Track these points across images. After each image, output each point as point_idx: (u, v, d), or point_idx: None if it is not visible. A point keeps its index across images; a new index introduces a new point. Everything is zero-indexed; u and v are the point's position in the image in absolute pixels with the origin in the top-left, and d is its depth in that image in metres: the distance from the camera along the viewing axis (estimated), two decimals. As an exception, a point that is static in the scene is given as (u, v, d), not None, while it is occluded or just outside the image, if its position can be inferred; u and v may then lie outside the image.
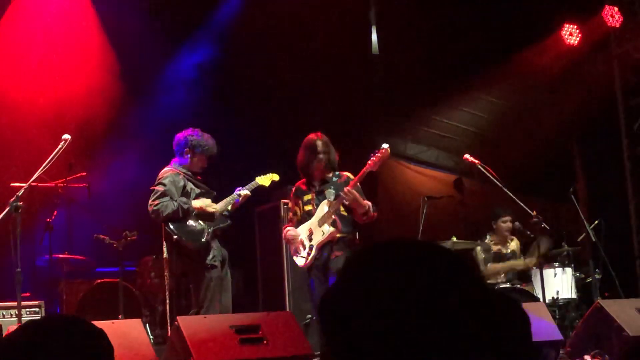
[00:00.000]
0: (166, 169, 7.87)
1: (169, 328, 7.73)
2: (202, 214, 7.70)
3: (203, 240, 7.61)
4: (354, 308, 1.47)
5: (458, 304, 1.44)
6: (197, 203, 7.71)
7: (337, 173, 7.57)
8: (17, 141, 10.20)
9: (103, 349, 2.13)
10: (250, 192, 7.95)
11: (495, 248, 9.68)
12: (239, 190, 7.90)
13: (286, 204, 8.90)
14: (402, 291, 1.44)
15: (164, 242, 7.79)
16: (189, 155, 7.87)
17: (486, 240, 9.71)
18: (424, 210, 9.20)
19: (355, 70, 10.92)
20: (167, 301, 7.88)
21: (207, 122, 8.60)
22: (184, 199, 7.68)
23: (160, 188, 7.68)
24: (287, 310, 9.05)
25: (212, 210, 7.73)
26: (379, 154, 7.31)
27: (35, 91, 10.41)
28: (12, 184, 7.67)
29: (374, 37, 10.12)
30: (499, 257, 9.65)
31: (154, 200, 7.65)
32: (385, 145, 7.38)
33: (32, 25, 10.48)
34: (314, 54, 10.84)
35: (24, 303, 7.11)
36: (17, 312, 6.93)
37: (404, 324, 1.42)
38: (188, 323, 6.46)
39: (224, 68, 11.45)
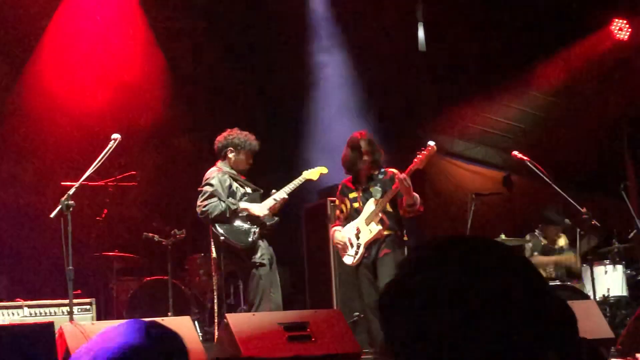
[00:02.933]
0: (212, 169, 7.88)
1: (216, 326, 7.78)
2: (248, 215, 7.72)
3: (250, 240, 7.62)
4: (416, 304, 1.46)
5: (522, 301, 1.44)
6: (243, 204, 7.72)
7: (382, 170, 7.55)
8: (68, 140, 10.35)
9: (180, 351, 2.17)
10: (297, 186, 7.95)
11: (544, 242, 9.68)
12: (285, 187, 7.90)
13: (333, 201, 8.89)
14: (464, 288, 1.44)
15: (212, 242, 7.83)
16: (232, 154, 7.87)
17: (536, 233, 9.71)
18: (472, 208, 9.13)
19: (402, 67, 10.88)
20: (215, 300, 7.90)
21: (252, 118, 8.65)
22: (232, 200, 7.69)
23: (208, 189, 7.70)
24: (334, 307, 9.05)
25: (258, 213, 7.71)
26: (425, 152, 7.28)
27: (85, 91, 10.55)
28: (63, 183, 7.77)
29: (421, 34, 10.08)
30: (547, 251, 9.61)
31: (202, 201, 7.67)
32: (431, 143, 7.34)
33: (80, 25, 10.61)
34: (360, 50, 10.83)
35: (75, 301, 7.19)
36: (68, 310, 7.03)
37: (466, 320, 1.42)
38: (237, 320, 6.50)
39: (268, 64, 11.51)
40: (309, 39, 11.15)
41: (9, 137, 10.57)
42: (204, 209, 7.64)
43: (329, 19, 11.04)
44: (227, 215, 7.62)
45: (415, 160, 7.28)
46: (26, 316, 7.44)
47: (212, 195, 7.65)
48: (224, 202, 7.64)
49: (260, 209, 7.76)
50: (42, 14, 10.45)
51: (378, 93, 11.02)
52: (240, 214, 7.67)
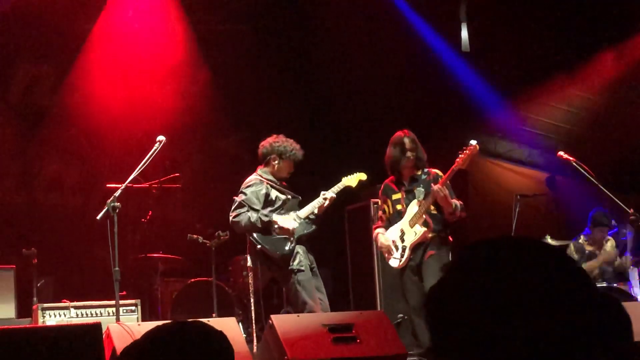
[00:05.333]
0: (251, 177, 7.85)
1: (253, 330, 7.76)
2: (284, 229, 7.66)
3: (286, 249, 7.57)
4: (464, 305, 1.45)
5: (570, 302, 1.42)
6: (276, 218, 7.66)
7: (425, 170, 7.50)
8: (112, 143, 10.45)
9: (226, 350, 2.20)
10: (335, 194, 7.89)
11: (589, 249, 9.49)
12: (325, 194, 7.85)
13: (376, 202, 8.86)
14: (512, 290, 1.42)
15: (248, 251, 7.81)
16: (275, 162, 7.84)
17: (580, 241, 9.52)
18: (517, 209, 9.05)
19: (444, 66, 10.83)
20: (252, 308, 7.86)
21: (293, 124, 8.65)
22: (265, 212, 7.64)
23: (240, 198, 7.69)
24: (379, 309, 9.02)
25: (288, 226, 7.63)
26: (467, 151, 7.21)
27: (130, 93, 10.64)
28: (107, 185, 7.84)
29: (464, 33, 10.01)
30: (591, 257, 9.45)
31: (233, 211, 7.66)
32: (473, 142, 7.28)
33: (124, 29, 10.72)
34: (401, 50, 10.79)
35: (121, 302, 7.26)
36: (115, 311, 7.09)
37: (513, 322, 1.40)
38: (282, 322, 6.50)
39: (306, 66, 11.52)
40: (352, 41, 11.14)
41: (55, 140, 10.70)
42: (233, 219, 7.63)
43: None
44: (259, 226, 7.57)
45: (458, 160, 7.22)
46: (73, 317, 7.53)
47: (241, 205, 7.62)
48: (256, 212, 7.59)
49: (291, 222, 7.67)
50: (87, 17, 10.57)
51: (419, 93, 10.97)
52: (274, 226, 7.62)
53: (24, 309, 8.10)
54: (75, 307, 7.64)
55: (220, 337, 2.17)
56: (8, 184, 10.63)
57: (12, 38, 10.28)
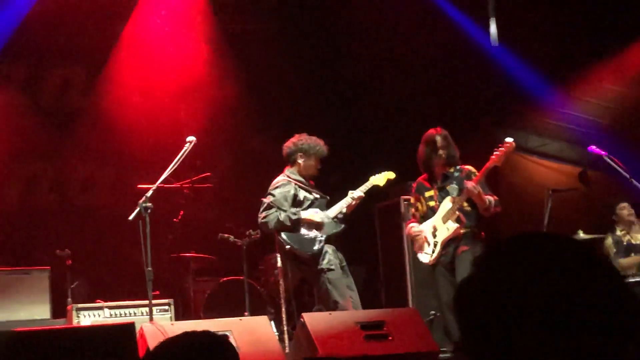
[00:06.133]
0: (278, 178, 7.87)
1: (284, 328, 7.78)
2: (312, 223, 7.69)
3: (315, 248, 7.59)
4: (493, 301, 1.45)
5: (602, 298, 1.42)
6: (306, 214, 7.67)
7: (458, 167, 7.47)
8: (144, 143, 10.52)
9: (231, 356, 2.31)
10: (364, 193, 7.88)
11: (625, 239, 9.44)
12: (353, 193, 7.85)
13: (406, 200, 8.85)
14: (541, 285, 1.42)
15: (278, 251, 7.83)
16: (301, 160, 7.85)
17: (617, 233, 9.50)
18: (549, 204, 8.98)
19: (475, 61, 10.77)
20: (284, 307, 7.87)
21: (322, 123, 8.65)
22: (294, 210, 7.65)
23: (268, 199, 7.71)
24: (410, 306, 9.01)
25: (320, 220, 7.67)
26: (503, 148, 7.18)
27: (160, 94, 10.71)
28: (139, 186, 7.89)
29: (493, 28, 9.95)
30: (630, 249, 9.40)
31: (261, 213, 7.69)
32: (509, 139, 7.24)
33: (153, 30, 10.79)
34: (431, 45, 10.75)
35: (154, 301, 7.31)
36: (148, 310, 7.15)
37: (544, 316, 1.40)
38: (314, 319, 6.51)
39: (334, 65, 11.50)
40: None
41: (87, 142, 10.79)
42: (262, 220, 7.66)
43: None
44: (288, 224, 7.59)
45: (493, 157, 7.18)
46: (107, 317, 7.59)
47: (270, 206, 7.65)
48: (284, 211, 7.61)
49: (319, 215, 7.70)
50: (117, 19, 10.65)
51: (450, 89, 10.93)
52: (303, 224, 7.64)
53: (59, 310, 8.18)
54: (109, 307, 7.70)
55: (223, 344, 2.29)
56: (42, 186, 10.74)
57: (44, 41, 10.37)
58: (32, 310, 8.09)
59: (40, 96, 10.77)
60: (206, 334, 2.31)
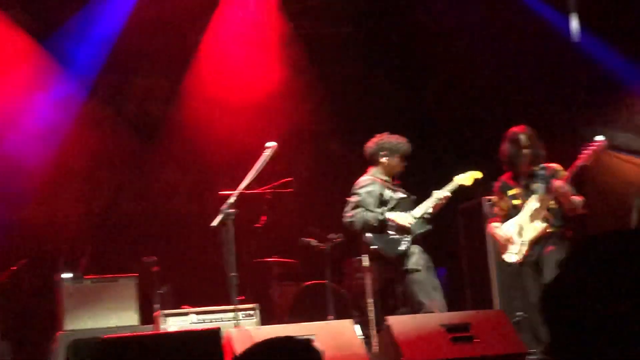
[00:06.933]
0: (363, 178, 7.85)
1: (371, 332, 7.76)
2: (398, 225, 7.63)
3: (401, 249, 7.54)
4: (581, 303, 1.42)
5: None
6: (391, 215, 7.64)
7: (543, 166, 7.35)
8: (224, 149, 10.63)
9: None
10: (450, 193, 7.80)
11: None
12: (437, 193, 7.77)
13: (489, 200, 8.74)
14: (630, 283, 1.39)
15: (363, 252, 7.80)
16: (385, 159, 7.82)
17: None
18: (638, 202, 8.76)
19: (558, 58, 10.58)
20: (371, 309, 7.84)
21: (403, 124, 8.60)
22: (380, 210, 7.63)
23: (354, 199, 7.69)
24: (496, 307, 8.89)
25: (404, 222, 7.60)
26: (593, 147, 7.02)
27: (240, 100, 10.81)
28: (220, 192, 7.98)
29: (575, 23, 9.76)
30: None
31: (347, 212, 7.68)
32: (600, 137, 7.08)
33: (232, 37, 10.91)
34: (514, 42, 10.60)
35: (240, 306, 7.38)
36: (234, 316, 7.22)
37: (632, 315, 1.36)
38: (398, 323, 6.48)
39: (414, 64, 11.45)
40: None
41: (170, 149, 10.97)
42: (348, 220, 7.64)
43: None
44: (375, 224, 7.56)
45: (582, 156, 7.03)
46: (194, 323, 7.68)
47: (356, 205, 7.63)
48: (371, 212, 7.58)
49: (407, 218, 7.63)
50: (196, 28, 10.81)
51: (535, 85, 10.74)
52: (388, 224, 7.60)
53: (147, 316, 8.32)
54: (196, 313, 7.80)
55: (308, 348, 2.32)
56: (127, 194, 10.96)
57: (126, 53, 10.59)
58: (120, 317, 8.24)
59: (125, 107, 11.00)
60: (289, 339, 2.33)
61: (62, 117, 10.34)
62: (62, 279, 8.35)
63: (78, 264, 9.02)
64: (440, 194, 7.72)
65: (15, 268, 9.12)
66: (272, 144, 7.36)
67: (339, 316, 8.31)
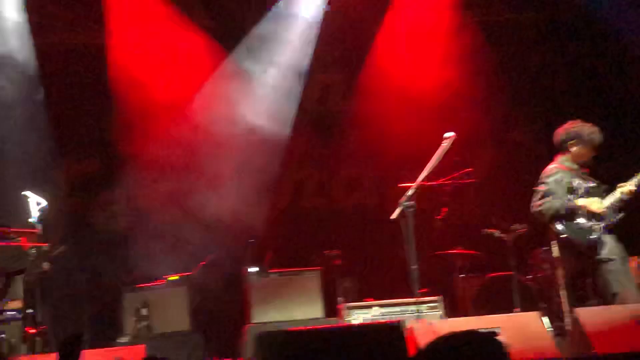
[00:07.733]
0: (550, 167, 7.61)
1: (562, 323, 7.52)
2: (589, 211, 7.34)
3: (592, 237, 7.26)
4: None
5: None
6: (581, 201, 7.37)
7: None
8: (404, 142, 10.60)
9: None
10: (636, 187, 7.40)
11: None
12: (622, 187, 7.40)
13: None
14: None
15: (552, 242, 7.57)
16: (573, 147, 7.55)
17: None
18: None
19: None
20: (562, 300, 7.60)
21: (588, 112, 8.27)
22: (570, 197, 7.38)
23: (542, 188, 7.48)
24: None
25: (596, 209, 7.31)
26: None
27: (415, 93, 10.76)
28: (400, 185, 7.95)
29: None
30: None
31: (537, 201, 7.46)
32: None
33: (406, 29, 10.89)
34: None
35: (423, 299, 7.36)
36: (416, 308, 7.20)
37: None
38: (587, 315, 6.25)
39: (597, 51, 11.04)
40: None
41: (349, 144, 11.07)
42: (538, 209, 7.41)
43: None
44: (564, 213, 7.31)
45: None
46: (377, 315, 7.72)
47: (545, 194, 7.41)
48: (559, 199, 7.34)
49: (600, 205, 7.33)
50: (372, 21, 10.85)
51: None
52: (578, 212, 7.33)
53: (330, 309, 8.43)
54: (380, 306, 7.84)
55: (493, 341, 2.29)
56: (309, 189, 11.15)
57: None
58: (305, 310, 8.40)
59: (305, 103, 11.17)
60: (474, 332, 2.32)
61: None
62: (249, 272, 8.59)
63: (264, 258, 9.25)
64: (625, 189, 7.36)
65: (204, 263, 9.48)
66: (450, 135, 7.27)
67: (525, 308, 8.13)
